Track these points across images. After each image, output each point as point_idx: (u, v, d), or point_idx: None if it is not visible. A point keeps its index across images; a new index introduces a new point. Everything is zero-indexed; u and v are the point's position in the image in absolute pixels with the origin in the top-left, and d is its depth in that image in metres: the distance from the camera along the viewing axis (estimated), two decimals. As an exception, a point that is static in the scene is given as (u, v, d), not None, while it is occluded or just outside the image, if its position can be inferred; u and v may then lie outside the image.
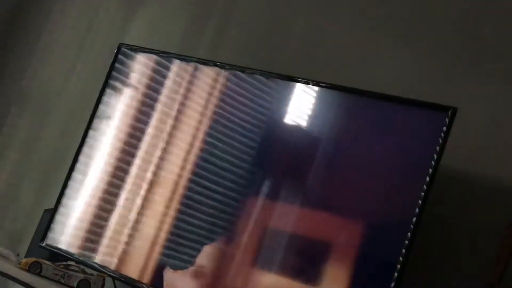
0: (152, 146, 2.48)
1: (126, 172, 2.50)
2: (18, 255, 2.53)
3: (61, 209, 2.58)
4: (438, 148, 1.91)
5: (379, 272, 1.93)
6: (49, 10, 3.54)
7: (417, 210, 1.89)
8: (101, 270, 2.38)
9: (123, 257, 2.42)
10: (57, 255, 2.50)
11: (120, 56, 2.66)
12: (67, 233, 2.55)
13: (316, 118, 2.22)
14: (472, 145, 2.16)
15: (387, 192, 2.00)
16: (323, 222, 2.07)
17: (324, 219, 2.08)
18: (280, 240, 2.11)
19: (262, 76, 2.33)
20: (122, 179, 2.50)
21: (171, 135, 2.46)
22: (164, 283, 2.25)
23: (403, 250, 1.88)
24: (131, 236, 2.42)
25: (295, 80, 2.27)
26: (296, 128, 2.24)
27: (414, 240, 1.88)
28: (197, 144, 2.38)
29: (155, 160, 2.46)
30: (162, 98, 2.52)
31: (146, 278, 2.31)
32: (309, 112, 2.23)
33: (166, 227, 2.35)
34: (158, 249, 2.35)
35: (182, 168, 2.39)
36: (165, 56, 2.57)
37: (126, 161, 2.52)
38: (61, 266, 2.30)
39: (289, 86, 2.29)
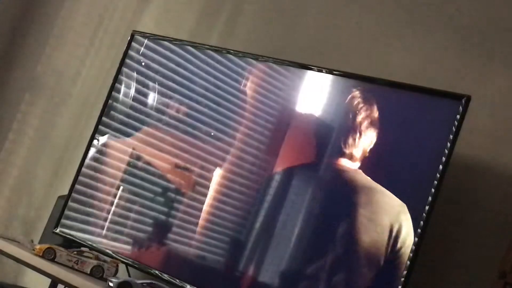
0: (165, 133, 2.49)
1: (140, 159, 2.51)
2: (32, 241, 2.54)
3: (74, 196, 2.59)
4: (451, 136, 1.91)
5: (391, 259, 1.93)
6: (63, -3, 3.54)
7: (430, 198, 1.89)
8: (114, 257, 2.39)
9: (136, 243, 2.43)
10: (71, 242, 2.51)
11: (133, 44, 2.66)
12: (80, 220, 2.56)
13: (329, 105, 2.21)
14: (485, 133, 2.15)
15: (401, 180, 2.00)
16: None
17: (335, 206, 2.08)
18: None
19: (275, 64, 2.33)
20: (137, 166, 2.51)
21: (183, 122, 2.46)
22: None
23: (416, 238, 1.88)
24: (144, 223, 2.43)
25: (308, 68, 2.27)
26: (309, 116, 2.24)
27: (427, 227, 1.88)
28: (210, 133, 2.39)
29: (168, 147, 2.46)
30: (175, 85, 2.52)
31: (159, 265, 2.32)
32: (322, 100, 2.22)
33: (179, 214, 2.37)
34: (171, 236, 2.36)
35: (199, 157, 2.39)
36: (178, 43, 2.57)
37: (140, 149, 2.53)
38: (75, 252, 2.31)
39: (302, 74, 2.29)
